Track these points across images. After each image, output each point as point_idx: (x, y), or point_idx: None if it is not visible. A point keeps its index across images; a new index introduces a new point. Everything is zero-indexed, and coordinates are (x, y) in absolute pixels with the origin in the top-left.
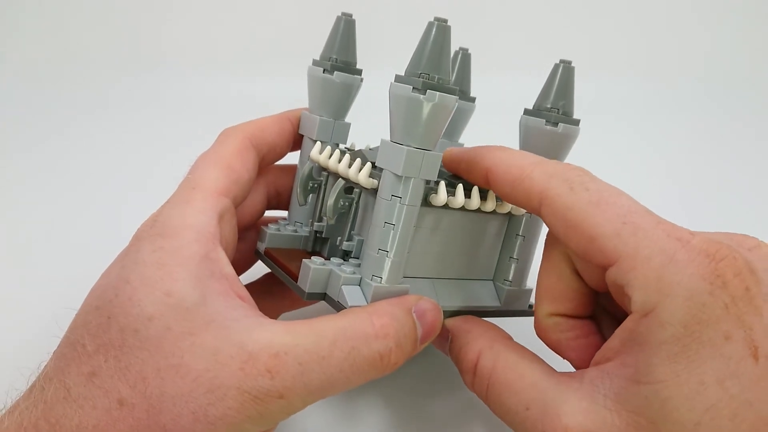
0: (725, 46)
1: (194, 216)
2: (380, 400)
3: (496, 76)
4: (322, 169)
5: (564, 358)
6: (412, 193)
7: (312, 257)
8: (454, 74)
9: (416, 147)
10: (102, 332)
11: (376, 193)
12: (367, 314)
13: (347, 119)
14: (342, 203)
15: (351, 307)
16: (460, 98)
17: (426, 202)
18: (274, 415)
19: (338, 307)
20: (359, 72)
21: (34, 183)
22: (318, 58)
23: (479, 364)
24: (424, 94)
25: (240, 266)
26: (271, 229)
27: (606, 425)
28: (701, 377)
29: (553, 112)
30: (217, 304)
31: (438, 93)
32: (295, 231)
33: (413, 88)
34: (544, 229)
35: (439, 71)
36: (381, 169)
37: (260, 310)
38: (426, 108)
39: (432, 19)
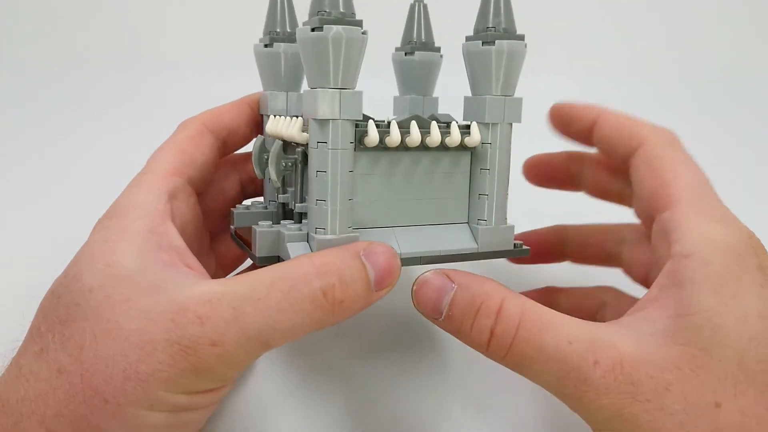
0: (725, 46)
1: (142, 196)
2: (365, 402)
3: None
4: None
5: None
6: (336, 136)
7: (267, 223)
8: (416, 29)
9: (332, 87)
10: (52, 312)
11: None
12: (307, 258)
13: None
14: (284, 165)
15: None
16: (423, 50)
17: (362, 146)
18: (212, 367)
19: None
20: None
21: (33, 183)
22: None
23: (504, 306)
24: (322, 30)
25: (231, 263)
26: (239, 209)
27: (660, 356)
28: (745, 310)
29: (490, 31)
30: (159, 272)
31: (335, 26)
32: (266, 207)
33: (311, 28)
34: (513, 161)
35: (340, 6)
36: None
37: None
38: (327, 44)
39: None
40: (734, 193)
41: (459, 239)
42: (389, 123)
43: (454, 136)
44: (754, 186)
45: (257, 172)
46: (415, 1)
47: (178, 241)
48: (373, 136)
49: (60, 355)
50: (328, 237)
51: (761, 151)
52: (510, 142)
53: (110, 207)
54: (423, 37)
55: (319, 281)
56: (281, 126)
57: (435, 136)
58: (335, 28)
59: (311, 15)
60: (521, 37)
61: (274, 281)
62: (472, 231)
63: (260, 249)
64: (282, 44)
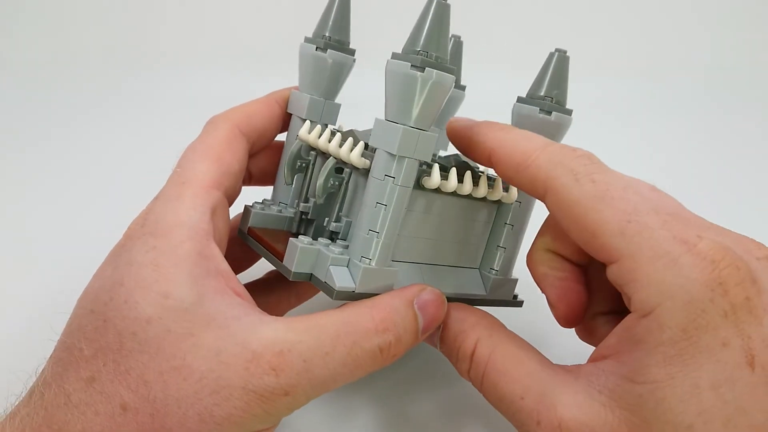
0: (725, 46)
1: (186, 212)
2: (373, 395)
3: (495, 74)
4: (311, 148)
5: (542, 292)
6: (406, 174)
7: (299, 236)
8: None
9: (411, 126)
10: (99, 336)
11: (367, 174)
12: (367, 308)
13: (337, 100)
14: (332, 183)
15: (340, 288)
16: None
17: (418, 185)
18: (280, 412)
19: (326, 288)
20: (352, 52)
21: (31, 183)
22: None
23: (476, 351)
24: (422, 71)
25: (242, 264)
26: (256, 208)
27: (600, 420)
28: (696, 381)
29: (547, 101)
30: (215, 303)
31: (436, 71)
32: (280, 211)
33: (411, 65)
34: (532, 219)
35: (438, 49)
36: (373, 149)
37: (264, 309)
38: (423, 86)
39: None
40: (734, 193)
41: (471, 284)
42: (448, 168)
43: (497, 192)
44: (755, 186)
45: (287, 178)
46: (452, 36)
47: (224, 264)
48: (435, 180)
49: (120, 389)
50: (373, 267)
51: (761, 151)
52: (534, 203)
53: (148, 219)
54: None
55: (378, 338)
56: (334, 144)
57: (482, 190)
58: (435, 72)
59: (409, 50)
60: (570, 112)
61: (339, 335)
62: (482, 278)
63: (298, 265)
64: (335, 53)
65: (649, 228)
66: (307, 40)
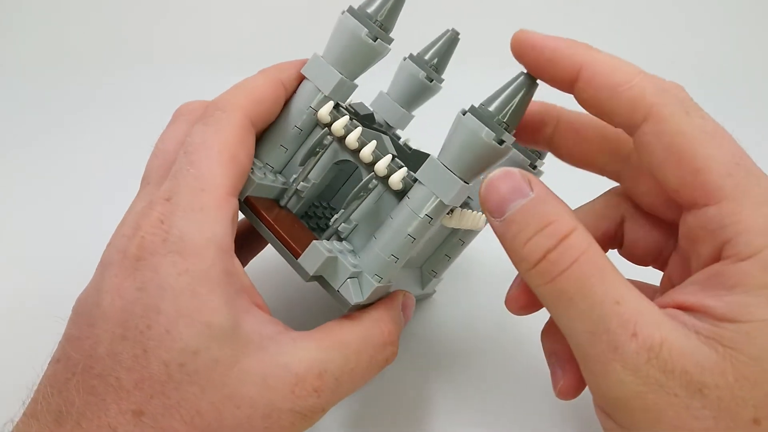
0: (725, 46)
1: (210, 227)
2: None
3: (495, 74)
4: (323, 124)
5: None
6: (442, 220)
7: (322, 241)
8: (438, 51)
9: (465, 182)
10: (140, 366)
11: (394, 191)
12: (377, 322)
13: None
14: (361, 194)
15: (355, 304)
16: (432, 74)
17: None
18: (311, 425)
19: (338, 298)
20: (391, 41)
21: (28, 182)
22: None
23: (572, 236)
24: (501, 145)
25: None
26: (257, 176)
27: (703, 355)
28: None
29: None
30: (249, 324)
31: (513, 149)
32: (274, 179)
33: (495, 138)
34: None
35: (515, 125)
36: (412, 178)
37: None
38: (497, 159)
39: (525, 73)
40: None
41: (414, 282)
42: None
43: (480, 223)
44: None
45: (301, 159)
46: (451, 29)
47: (246, 279)
48: (455, 220)
49: (173, 423)
50: (381, 285)
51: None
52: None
53: (170, 233)
54: (439, 64)
55: (388, 350)
56: (367, 152)
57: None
58: (513, 151)
59: (492, 116)
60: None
61: (360, 351)
62: (422, 276)
63: (319, 270)
64: (383, 45)
65: (755, 174)
66: (352, 13)
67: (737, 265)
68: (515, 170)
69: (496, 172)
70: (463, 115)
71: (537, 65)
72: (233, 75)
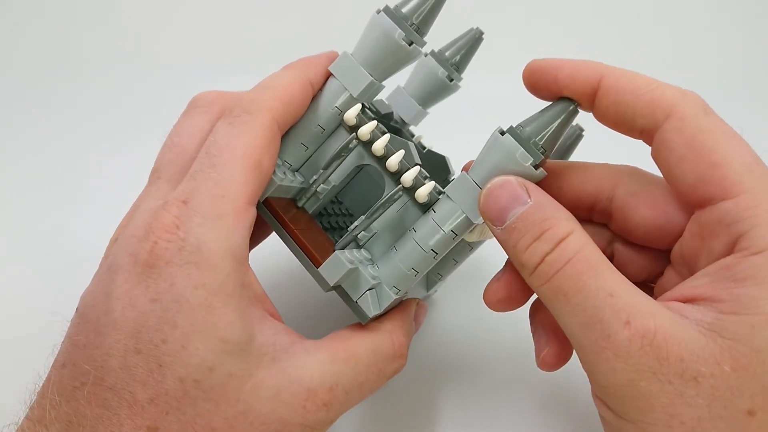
0: (725, 47)
1: (228, 237)
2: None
3: (495, 75)
4: (349, 127)
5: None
6: (464, 235)
7: (344, 251)
8: (460, 50)
9: None
10: (155, 381)
11: (419, 203)
12: (388, 333)
13: None
14: (382, 206)
15: (373, 316)
16: (452, 74)
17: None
18: None
19: (357, 310)
20: (424, 44)
21: (29, 183)
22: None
23: (568, 239)
24: (537, 170)
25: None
26: (278, 176)
27: (699, 345)
28: None
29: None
30: (262, 335)
31: (545, 173)
32: (293, 179)
33: (532, 163)
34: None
35: (551, 148)
36: (438, 191)
37: None
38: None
39: (570, 102)
40: None
41: (419, 284)
42: None
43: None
44: None
45: (327, 163)
46: (476, 29)
47: (259, 288)
48: (475, 234)
49: None
50: (398, 297)
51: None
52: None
53: (186, 241)
54: (460, 63)
55: (396, 363)
56: (394, 161)
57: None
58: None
59: (528, 136)
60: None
61: (370, 364)
62: (428, 279)
63: (340, 280)
64: (418, 50)
65: None
66: (388, 13)
67: (749, 259)
68: (512, 178)
69: (495, 181)
70: (501, 135)
71: (556, 84)
72: (240, 75)
